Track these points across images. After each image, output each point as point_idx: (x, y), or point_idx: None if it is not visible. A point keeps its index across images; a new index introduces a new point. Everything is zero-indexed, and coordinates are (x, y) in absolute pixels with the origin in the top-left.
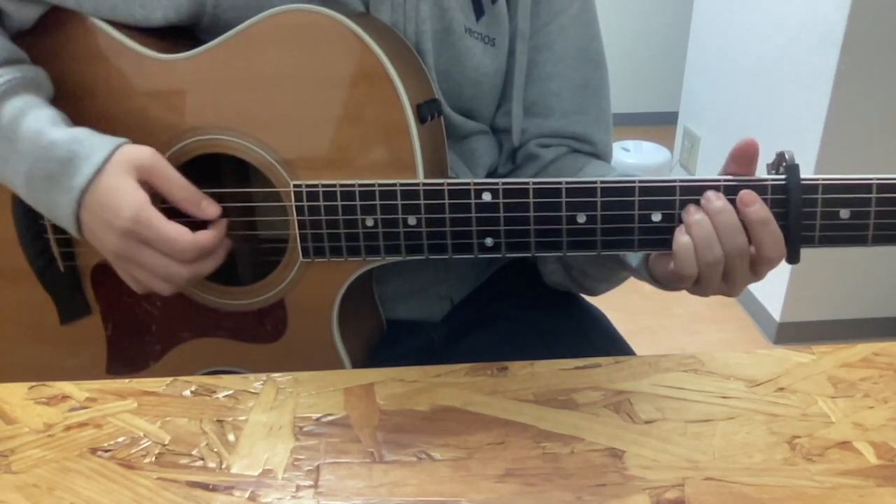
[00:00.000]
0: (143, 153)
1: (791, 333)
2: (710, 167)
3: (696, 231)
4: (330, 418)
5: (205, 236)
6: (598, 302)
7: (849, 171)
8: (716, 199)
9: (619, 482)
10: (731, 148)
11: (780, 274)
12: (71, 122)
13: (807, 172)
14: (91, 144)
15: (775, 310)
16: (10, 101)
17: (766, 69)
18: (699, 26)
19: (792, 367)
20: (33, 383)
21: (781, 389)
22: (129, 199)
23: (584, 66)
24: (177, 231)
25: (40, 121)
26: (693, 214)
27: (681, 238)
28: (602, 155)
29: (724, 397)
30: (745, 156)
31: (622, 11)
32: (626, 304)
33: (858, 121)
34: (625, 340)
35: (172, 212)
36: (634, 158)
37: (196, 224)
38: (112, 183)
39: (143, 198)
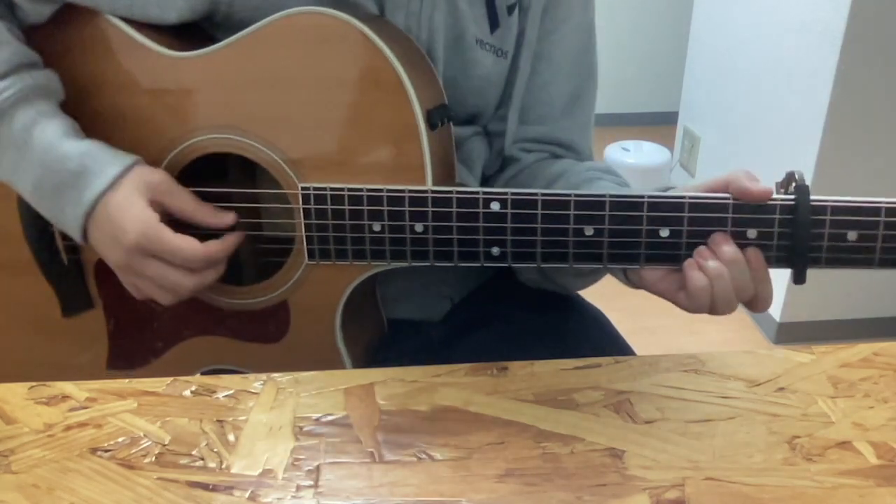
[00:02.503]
0: (155, 175)
1: (791, 333)
2: (710, 167)
3: (716, 283)
4: (330, 418)
5: (214, 247)
6: (598, 302)
7: (848, 171)
8: (725, 244)
9: (619, 482)
10: (731, 148)
11: (781, 274)
12: (82, 131)
13: (807, 173)
14: (103, 160)
15: (775, 310)
16: (22, 110)
17: (766, 69)
18: (699, 26)
19: (792, 367)
20: (33, 383)
21: (781, 389)
22: (137, 216)
23: (578, 77)
24: (186, 241)
25: (52, 132)
26: (709, 260)
27: (698, 281)
28: (583, 161)
29: (724, 397)
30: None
31: (622, 11)
32: (626, 304)
33: (858, 121)
34: (625, 340)
35: (179, 226)
36: (634, 158)
37: (203, 236)
38: (122, 201)
39: (151, 215)
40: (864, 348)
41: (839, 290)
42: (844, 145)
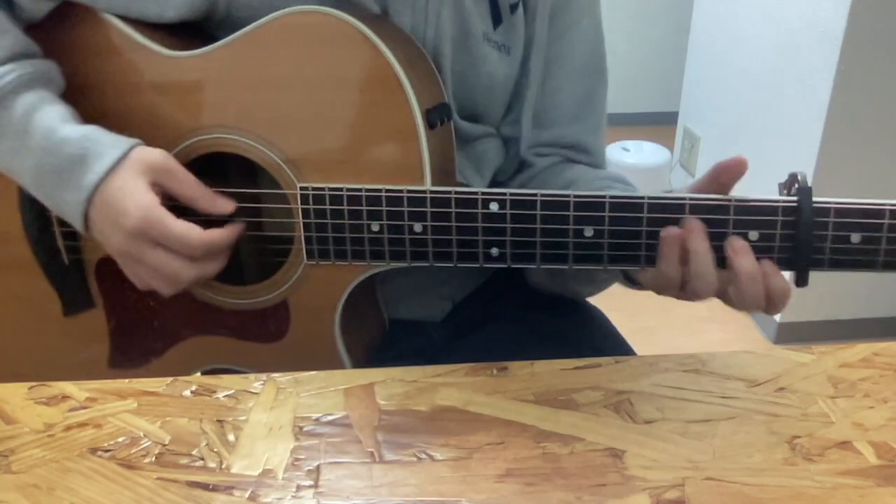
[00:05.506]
0: (155, 155)
1: (791, 333)
2: (709, 167)
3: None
4: (330, 418)
5: (216, 234)
6: (598, 302)
7: (848, 171)
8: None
9: (619, 482)
10: (731, 148)
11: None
12: (81, 118)
13: (807, 172)
14: (104, 143)
15: None
16: (22, 96)
17: (766, 69)
18: (699, 26)
19: (792, 367)
20: (33, 383)
21: (781, 389)
22: (139, 200)
23: (590, 77)
24: (187, 227)
25: (52, 117)
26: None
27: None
28: (597, 163)
29: (724, 397)
30: (731, 174)
31: (622, 11)
32: (626, 304)
33: (858, 121)
34: (625, 340)
35: (180, 212)
36: (634, 158)
37: (205, 224)
38: (123, 183)
39: (152, 199)
40: (864, 348)
41: (839, 290)
42: (844, 145)
